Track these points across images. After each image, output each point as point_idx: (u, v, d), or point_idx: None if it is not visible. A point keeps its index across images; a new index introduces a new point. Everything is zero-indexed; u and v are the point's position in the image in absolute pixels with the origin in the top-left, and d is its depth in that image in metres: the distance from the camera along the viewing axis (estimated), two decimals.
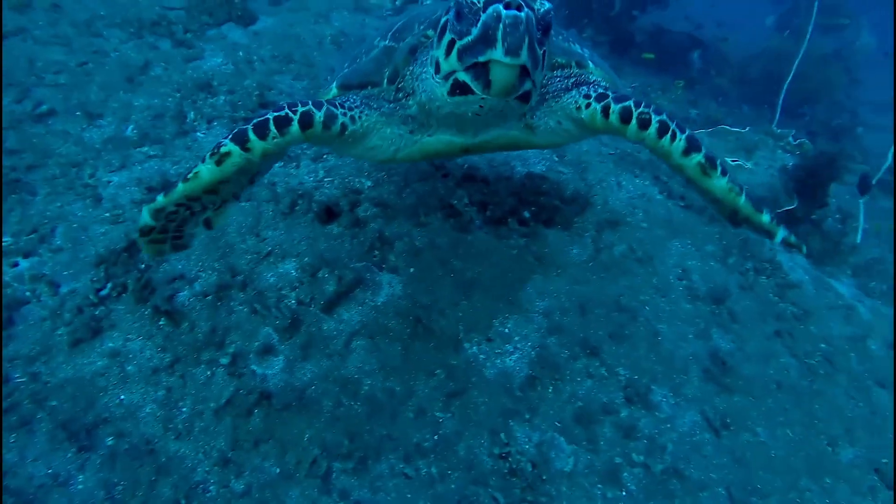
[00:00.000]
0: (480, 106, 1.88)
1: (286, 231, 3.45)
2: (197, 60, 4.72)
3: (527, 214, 3.85)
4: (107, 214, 3.25)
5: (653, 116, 2.22)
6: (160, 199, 2.10)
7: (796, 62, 7.13)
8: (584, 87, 2.38)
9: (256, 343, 2.81)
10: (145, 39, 4.77)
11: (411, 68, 2.25)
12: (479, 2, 1.67)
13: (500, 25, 1.62)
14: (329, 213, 3.64)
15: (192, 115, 4.05)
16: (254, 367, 2.70)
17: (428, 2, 3.79)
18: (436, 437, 2.70)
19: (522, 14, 1.63)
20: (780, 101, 7.13)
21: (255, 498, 2.32)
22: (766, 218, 2.40)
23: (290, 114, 2.09)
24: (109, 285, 2.89)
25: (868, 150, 9.66)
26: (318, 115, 2.15)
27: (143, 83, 4.22)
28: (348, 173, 4.02)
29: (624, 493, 2.77)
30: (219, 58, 4.83)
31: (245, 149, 2.03)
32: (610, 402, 3.07)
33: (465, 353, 3.06)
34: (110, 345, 2.72)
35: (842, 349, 4.27)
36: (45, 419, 2.43)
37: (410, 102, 2.30)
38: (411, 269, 3.37)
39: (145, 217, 2.14)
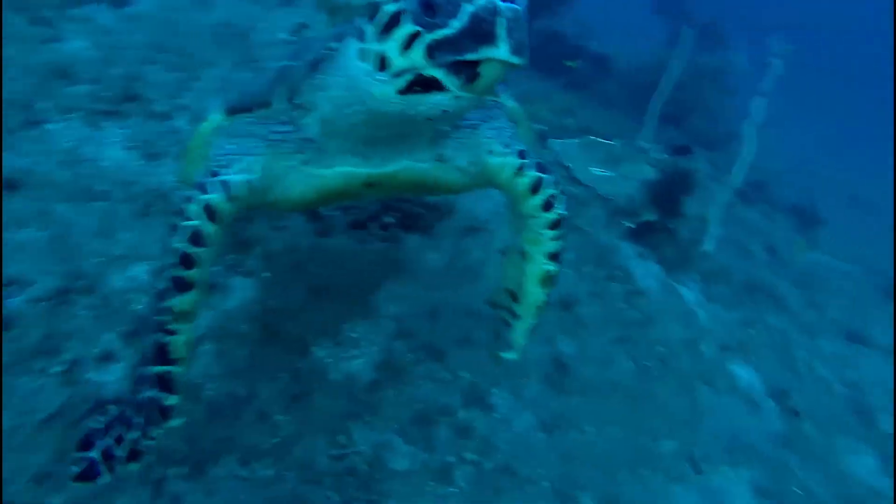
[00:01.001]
0: (443, 109, 1.68)
1: (140, 233, 3.46)
2: (55, 42, 4.56)
3: (388, 220, 4.05)
4: None
5: (560, 203, 2.29)
6: None
7: (671, 83, 7.73)
8: (502, 131, 2.30)
9: (96, 349, 2.84)
10: None
11: (312, 80, 2.04)
12: None
13: (501, 20, 1.47)
14: None
15: (43, 104, 3.94)
16: (90, 374, 2.74)
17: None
18: (275, 440, 2.85)
19: (521, 8, 1.50)
20: (651, 116, 7.71)
21: None
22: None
23: (191, 223, 1.97)
24: None
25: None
26: (218, 196, 2.03)
27: None
28: None
29: (455, 490, 3.04)
30: (82, 41, 4.69)
31: (186, 287, 1.99)
32: (449, 404, 3.34)
33: (311, 356, 3.23)
34: None
35: (676, 352, 4.79)
36: None
37: (309, 120, 2.09)
38: (266, 274, 3.48)
39: None
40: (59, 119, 3.93)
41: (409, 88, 1.64)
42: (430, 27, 1.55)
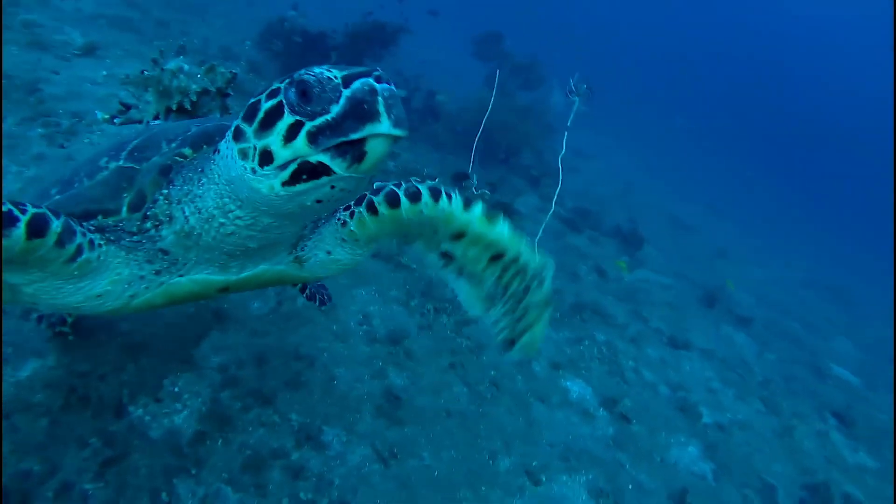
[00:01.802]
0: (332, 187, 1.70)
1: None
2: None
3: None
4: None
5: (421, 187, 2.23)
6: None
7: (484, 120, 8.46)
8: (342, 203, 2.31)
9: None
10: None
11: (166, 192, 2.03)
12: (336, 77, 1.60)
13: (380, 98, 1.57)
14: None
15: None
16: None
17: (159, 122, 3.45)
18: None
19: (393, 88, 1.61)
20: (473, 154, 8.38)
21: None
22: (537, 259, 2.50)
23: (17, 212, 1.72)
24: None
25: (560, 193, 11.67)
26: (56, 224, 1.81)
27: None
28: None
29: None
30: None
31: None
32: (281, 447, 3.45)
33: (128, 417, 3.22)
34: None
35: (509, 373, 5.23)
36: None
37: (164, 233, 2.05)
38: (70, 337, 3.42)
39: None
40: None
41: (295, 178, 1.68)
42: (311, 115, 1.61)
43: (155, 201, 2.03)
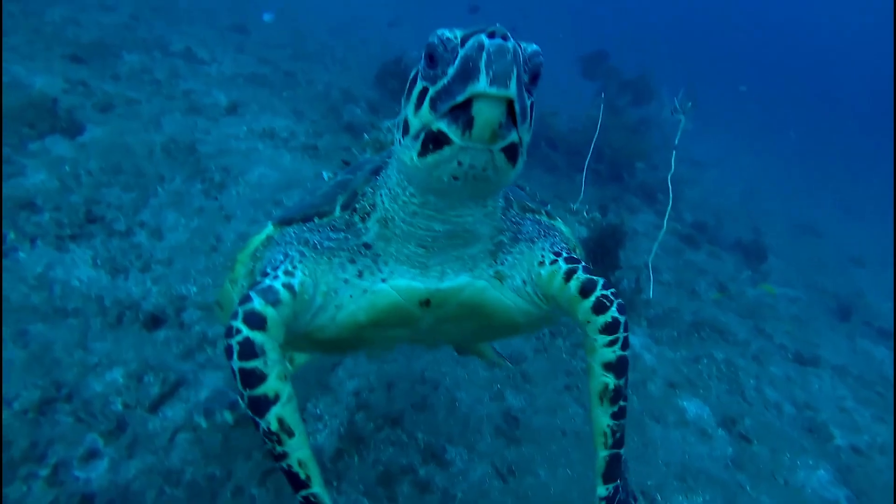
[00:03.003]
0: (459, 163, 1.58)
1: (114, 342, 3.95)
2: (18, 177, 5.13)
3: None
4: None
5: (613, 305, 2.08)
6: None
7: (593, 142, 8.56)
8: (555, 242, 2.28)
9: (81, 449, 3.27)
10: None
11: (372, 184, 2.08)
12: (456, 37, 1.53)
13: (484, 54, 1.45)
14: (155, 321, 4.19)
15: (12, 235, 4.47)
16: (77, 472, 3.17)
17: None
18: None
19: (509, 44, 1.48)
20: (584, 178, 8.50)
21: None
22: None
23: (243, 331, 1.86)
24: None
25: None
26: (261, 302, 1.90)
27: None
28: (175, 281, 4.60)
29: None
30: (42, 174, 5.26)
31: (264, 405, 1.89)
32: (409, 463, 3.80)
33: None
34: None
35: None
36: None
37: (369, 224, 2.08)
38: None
39: None
40: (28, 247, 4.46)
41: (425, 149, 1.62)
42: (434, 79, 1.57)
43: (364, 194, 2.10)
